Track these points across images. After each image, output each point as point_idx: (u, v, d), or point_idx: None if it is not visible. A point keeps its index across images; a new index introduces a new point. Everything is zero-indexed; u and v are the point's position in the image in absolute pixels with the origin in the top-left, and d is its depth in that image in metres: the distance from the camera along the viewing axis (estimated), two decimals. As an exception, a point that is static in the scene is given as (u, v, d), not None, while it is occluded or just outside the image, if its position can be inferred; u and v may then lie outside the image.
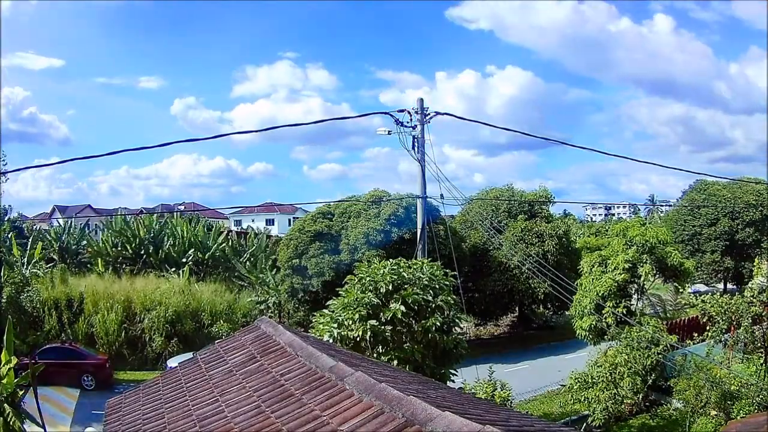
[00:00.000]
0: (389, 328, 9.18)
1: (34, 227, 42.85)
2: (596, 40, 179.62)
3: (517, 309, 31.98)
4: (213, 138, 14.23)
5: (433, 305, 9.65)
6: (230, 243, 37.03)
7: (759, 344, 16.69)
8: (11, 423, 9.84)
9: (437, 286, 9.93)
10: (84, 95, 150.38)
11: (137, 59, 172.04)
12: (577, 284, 19.97)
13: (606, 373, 16.49)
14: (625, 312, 18.27)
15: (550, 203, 32.04)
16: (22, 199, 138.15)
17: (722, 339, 17.02)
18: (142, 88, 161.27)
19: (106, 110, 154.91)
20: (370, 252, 23.73)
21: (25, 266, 30.34)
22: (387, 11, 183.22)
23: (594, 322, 19.07)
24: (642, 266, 19.28)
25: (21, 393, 10.65)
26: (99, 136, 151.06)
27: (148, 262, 33.80)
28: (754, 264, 24.97)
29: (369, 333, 8.89)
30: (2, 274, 26.51)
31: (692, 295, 21.60)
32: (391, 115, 14.42)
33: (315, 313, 10.55)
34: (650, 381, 17.26)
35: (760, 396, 14.34)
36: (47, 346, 22.74)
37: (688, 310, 25.50)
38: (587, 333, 19.48)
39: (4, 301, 24.82)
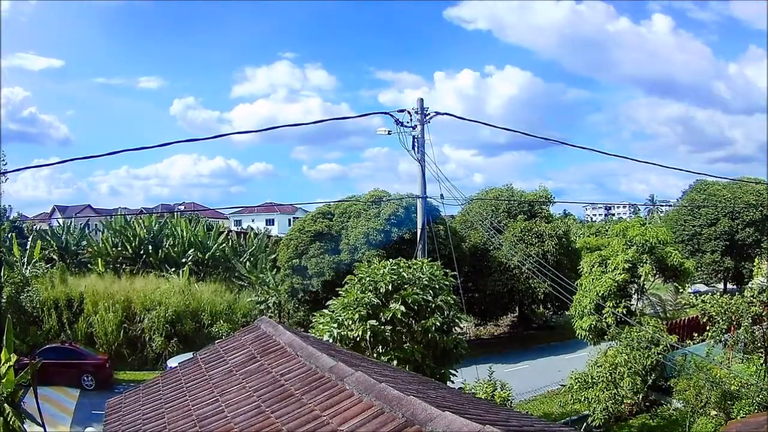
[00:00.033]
0: (389, 328, 9.17)
1: (34, 227, 42.80)
2: (595, 40, 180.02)
3: (517, 309, 31.96)
4: (213, 138, 14.19)
5: (433, 305, 9.64)
6: (230, 243, 36.98)
7: (759, 344, 16.67)
8: (11, 423, 9.83)
9: (437, 286, 9.92)
10: (83, 95, 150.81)
11: (137, 59, 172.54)
12: (577, 284, 19.96)
13: (606, 373, 16.48)
14: (625, 312, 18.24)
15: (549, 203, 32.03)
16: (22, 199, 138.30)
17: (722, 339, 16.99)
18: (141, 88, 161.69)
19: (105, 110, 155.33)
20: (370, 252, 23.73)
21: (25, 266, 30.35)
22: (386, 11, 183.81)
23: (594, 322, 19.06)
24: (642, 266, 19.27)
25: (21, 392, 10.65)
26: (99, 136, 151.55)
27: (148, 262, 33.79)
28: (754, 264, 24.96)
29: (369, 333, 8.88)
30: (2, 274, 26.55)
31: (692, 295, 21.54)
32: (391, 115, 14.42)
33: (315, 313, 10.55)
34: (650, 381, 17.26)
35: (760, 396, 14.33)
36: (47, 345, 22.76)
37: (688, 310, 25.45)
38: (587, 333, 19.47)
39: (4, 301, 24.86)
